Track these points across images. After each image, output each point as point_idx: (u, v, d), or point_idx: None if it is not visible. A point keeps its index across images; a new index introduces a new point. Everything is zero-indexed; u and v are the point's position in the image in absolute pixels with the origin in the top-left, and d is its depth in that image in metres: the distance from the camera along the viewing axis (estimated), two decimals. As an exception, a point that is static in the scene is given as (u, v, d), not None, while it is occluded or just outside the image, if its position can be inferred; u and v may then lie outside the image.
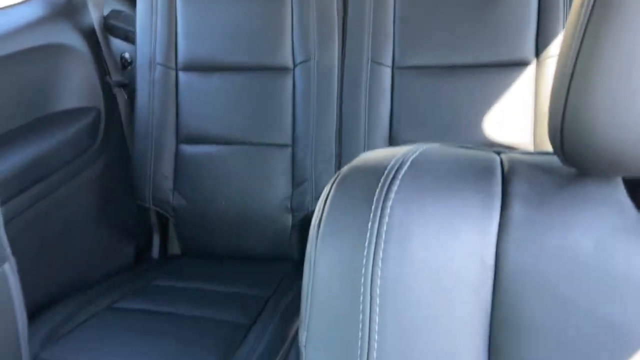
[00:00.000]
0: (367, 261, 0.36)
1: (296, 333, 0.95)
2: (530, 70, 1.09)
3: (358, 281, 0.36)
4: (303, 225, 1.19)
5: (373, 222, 0.37)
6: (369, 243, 0.36)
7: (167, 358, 0.88)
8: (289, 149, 1.19)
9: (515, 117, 1.10)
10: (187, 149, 1.23)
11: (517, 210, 0.37)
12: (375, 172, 0.39)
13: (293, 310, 1.02)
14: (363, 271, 0.36)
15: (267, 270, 1.19)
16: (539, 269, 0.36)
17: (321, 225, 0.39)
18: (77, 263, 1.16)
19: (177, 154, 1.23)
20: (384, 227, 0.36)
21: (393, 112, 1.13)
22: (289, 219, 1.20)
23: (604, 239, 0.35)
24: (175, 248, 1.31)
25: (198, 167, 1.22)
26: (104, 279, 1.16)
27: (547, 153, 0.43)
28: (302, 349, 0.40)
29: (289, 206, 1.19)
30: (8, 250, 0.56)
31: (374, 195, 0.37)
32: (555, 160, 0.41)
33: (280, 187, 1.19)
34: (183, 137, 1.23)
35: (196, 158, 1.22)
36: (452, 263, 0.36)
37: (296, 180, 1.18)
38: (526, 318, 0.36)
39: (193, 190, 1.22)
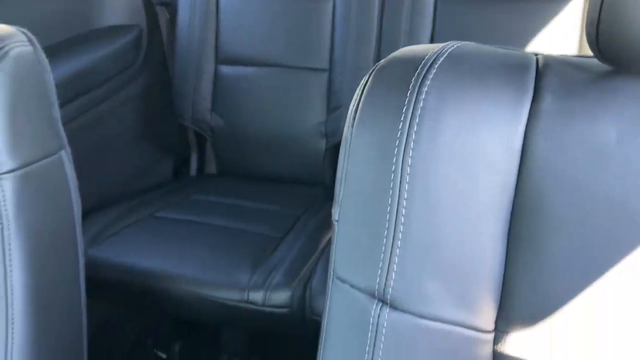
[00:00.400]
0: (400, 142, 0.39)
1: (325, 246, 0.99)
2: (577, 4, 1.06)
3: (390, 160, 0.39)
4: (336, 151, 1.22)
5: (408, 106, 0.39)
6: (403, 125, 0.39)
7: (204, 263, 0.94)
8: (326, 74, 1.19)
9: (559, 51, 1.08)
10: (226, 69, 1.25)
11: (547, 102, 0.38)
12: (412, 62, 0.40)
13: (323, 227, 1.06)
14: (395, 151, 0.39)
15: (299, 192, 1.23)
16: (564, 158, 0.38)
17: (358, 110, 0.41)
18: (119, 175, 1.23)
19: (216, 75, 1.26)
20: (418, 111, 0.38)
21: (433, 40, 1.12)
22: (322, 144, 1.22)
23: (627, 130, 0.36)
24: (211, 167, 1.36)
25: (235, 88, 1.25)
26: (144, 192, 1.22)
27: (584, 56, 0.44)
28: (335, 224, 0.43)
29: (323, 131, 1.21)
30: (65, 140, 0.61)
31: (411, 81, 0.39)
32: (591, 61, 0.42)
33: (315, 111, 1.21)
34: (222, 58, 1.25)
35: (234, 79, 1.25)
36: (480, 147, 0.38)
37: (331, 106, 1.20)
38: (547, 205, 0.38)
39: (230, 111, 1.26)
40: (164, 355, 1.12)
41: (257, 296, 0.88)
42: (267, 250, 0.98)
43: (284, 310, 0.87)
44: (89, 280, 0.70)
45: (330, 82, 1.19)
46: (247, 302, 0.88)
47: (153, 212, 1.11)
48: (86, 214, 1.07)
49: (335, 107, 1.19)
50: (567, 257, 0.39)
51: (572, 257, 0.39)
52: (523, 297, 0.40)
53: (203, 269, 0.93)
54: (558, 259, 0.39)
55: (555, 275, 0.39)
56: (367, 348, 0.41)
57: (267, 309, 0.87)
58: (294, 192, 1.22)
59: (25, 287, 0.54)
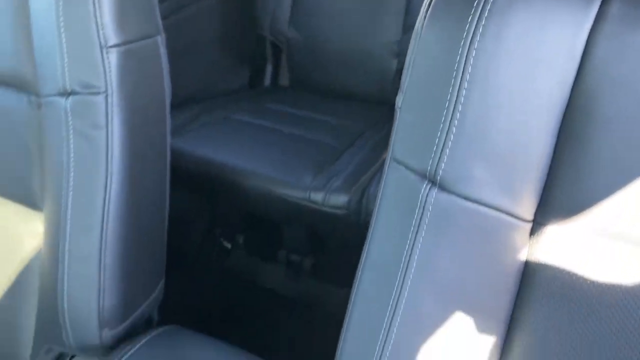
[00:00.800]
0: (467, 35, 0.41)
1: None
2: None
3: (456, 52, 0.42)
4: (407, 72, 1.23)
5: (477, 7, 0.41)
6: (472, 20, 0.41)
7: (273, 162, 1.02)
8: (407, -8, 1.19)
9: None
10: (307, -18, 1.27)
11: (615, 6, 0.40)
12: None
13: (384, 143, 1.10)
14: (462, 43, 0.42)
15: (366, 109, 1.26)
16: (622, 64, 0.39)
17: (431, 4, 0.44)
18: (198, 79, 1.30)
19: (297, -14, 1.28)
20: (488, 6, 0.41)
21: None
22: (394, 64, 1.24)
23: None
24: (284, 79, 1.41)
25: (314, 1, 1.27)
26: (221, 96, 1.30)
27: None
28: (397, 110, 0.47)
29: (397, 50, 1.22)
30: (161, 27, 0.67)
31: None
32: None
33: (391, 29, 1.22)
34: (303, -31, 1.27)
35: (313, -8, 1.27)
36: (544, 46, 0.40)
37: (407, 24, 1.20)
38: (599, 107, 0.41)
39: (307, 24, 1.28)
40: (228, 245, 1.24)
41: (317, 196, 0.95)
42: (331, 158, 1.04)
43: (341, 211, 0.94)
44: (170, 170, 0.78)
45: (409, 0, 1.19)
46: (309, 200, 0.95)
47: (229, 114, 1.18)
48: (168, 109, 1.16)
49: (411, 25, 1.19)
50: (611, 158, 0.41)
51: (615, 159, 0.41)
52: (564, 192, 0.43)
53: (272, 167, 1.00)
54: (602, 159, 0.42)
55: (597, 175, 0.42)
56: (414, 222, 0.46)
57: (326, 209, 0.94)
58: (362, 109, 1.26)
59: (122, 151, 0.62)
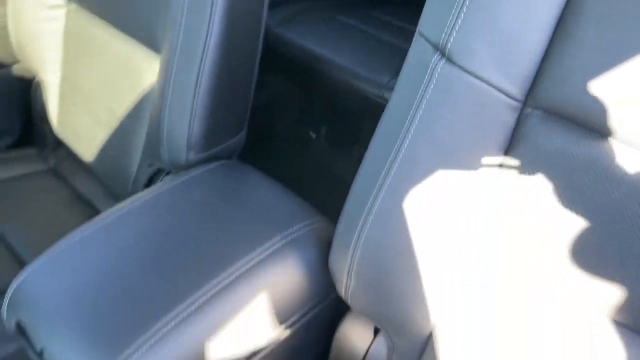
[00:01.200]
0: None
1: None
2: None
3: None
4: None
5: None
6: None
7: (359, 61, 1.12)
8: None
9: None
10: None
11: None
12: None
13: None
14: None
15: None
16: None
17: None
18: None
19: None
20: None
21: None
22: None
23: None
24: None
25: None
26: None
27: None
28: None
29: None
30: None
31: None
32: None
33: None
34: None
35: None
36: None
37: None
38: (593, 9, 0.47)
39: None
40: (314, 135, 1.38)
41: (390, 96, 1.05)
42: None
43: (408, 112, 1.03)
44: (273, 54, 0.91)
45: None
46: (382, 98, 1.06)
47: (334, 15, 1.29)
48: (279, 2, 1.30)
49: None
50: (596, 56, 0.48)
51: (600, 58, 0.47)
52: (551, 82, 0.51)
53: (357, 64, 1.11)
54: (588, 57, 0.48)
55: (582, 70, 0.49)
56: (422, 87, 0.56)
57: (395, 108, 1.04)
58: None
59: (222, 11, 0.77)
